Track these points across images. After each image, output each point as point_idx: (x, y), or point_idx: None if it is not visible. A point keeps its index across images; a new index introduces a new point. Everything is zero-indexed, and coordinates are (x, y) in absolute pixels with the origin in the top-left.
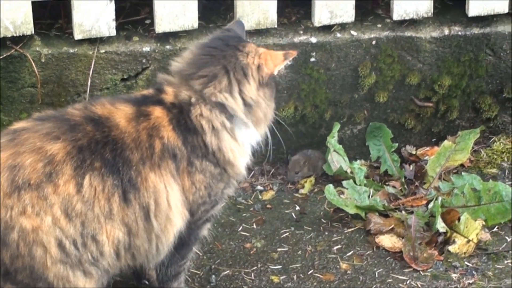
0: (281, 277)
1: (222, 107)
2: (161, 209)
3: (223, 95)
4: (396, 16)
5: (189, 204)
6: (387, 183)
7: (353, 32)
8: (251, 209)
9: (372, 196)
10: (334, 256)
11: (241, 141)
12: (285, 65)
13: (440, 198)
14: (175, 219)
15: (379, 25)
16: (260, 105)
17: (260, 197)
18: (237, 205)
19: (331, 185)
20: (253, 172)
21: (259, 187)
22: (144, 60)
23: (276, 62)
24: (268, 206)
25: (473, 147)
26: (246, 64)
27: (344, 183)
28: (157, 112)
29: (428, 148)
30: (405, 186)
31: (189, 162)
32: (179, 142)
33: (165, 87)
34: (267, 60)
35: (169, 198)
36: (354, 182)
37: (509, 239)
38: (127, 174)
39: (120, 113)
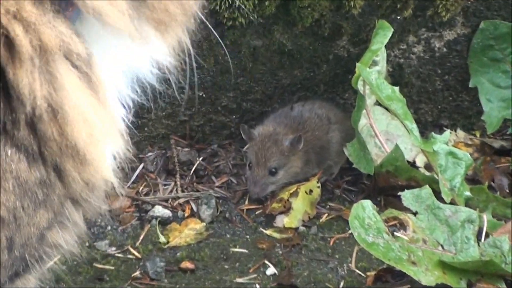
0: None
1: None
2: None
3: None
4: None
5: None
6: None
7: None
8: (137, 272)
9: (488, 236)
10: None
11: (101, 79)
12: None
13: None
14: None
15: None
16: None
17: (162, 238)
18: (94, 262)
19: (367, 203)
20: (141, 167)
21: (158, 210)
22: None
23: None
24: (188, 264)
25: None
26: None
27: (406, 195)
28: None
29: None
30: None
31: None
32: None
33: None
34: None
35: None
36: (435, 192)
37: None
38: None
39: None
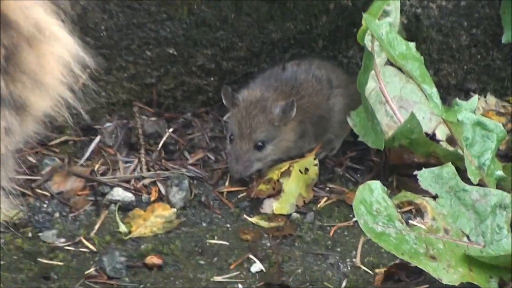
0: None
1: None
2: None
3: None
4: None
5: None
6: None
7: None
8: (92, 268)
9: None
10: None
11: None
12: None
13: None
14: None
15: None
16: None
17: (123, 228)
18: (38, 257)
19: (376, 184)
20: (97, 140)
21: (118, 193)
22: None
23: None
24: (154, 260)
25: None
26: None
27: (424, 174)
28: None
29: None
30: None
31: None
32: None
33: None
34: None
35: None
36: (460, 171)
37: None
38: None
39: None
